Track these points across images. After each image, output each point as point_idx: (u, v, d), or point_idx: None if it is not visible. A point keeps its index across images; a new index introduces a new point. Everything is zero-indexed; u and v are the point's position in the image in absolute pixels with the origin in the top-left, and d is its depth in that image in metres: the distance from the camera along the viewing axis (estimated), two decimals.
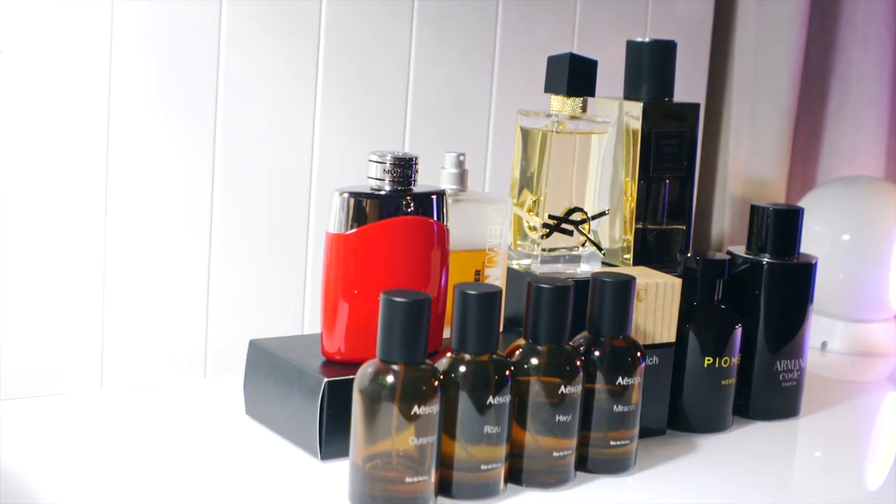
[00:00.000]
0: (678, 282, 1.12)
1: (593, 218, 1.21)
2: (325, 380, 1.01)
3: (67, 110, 1.11)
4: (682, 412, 1.15)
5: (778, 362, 1.20)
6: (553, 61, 1.20)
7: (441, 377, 0.94)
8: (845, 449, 1.18)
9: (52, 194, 1.11)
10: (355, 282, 1.04)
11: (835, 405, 1.28)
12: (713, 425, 1.16)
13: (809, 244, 1.46)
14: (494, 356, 0.97)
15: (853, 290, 1.48)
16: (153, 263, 1.18)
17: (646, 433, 1.12)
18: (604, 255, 1.22)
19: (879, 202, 1.47)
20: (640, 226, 1.26)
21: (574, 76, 1.19)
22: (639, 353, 1.04)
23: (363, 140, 1.28)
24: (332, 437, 1.01)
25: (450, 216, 1.12)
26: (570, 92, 1.19)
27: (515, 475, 1.00)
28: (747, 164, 1.59)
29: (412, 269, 1.06)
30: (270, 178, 1.24)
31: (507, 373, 0.97)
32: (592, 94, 1.20)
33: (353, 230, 1.04)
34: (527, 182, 1.20)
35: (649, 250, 1.26)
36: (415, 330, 0.92)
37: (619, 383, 1.03)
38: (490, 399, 0.95)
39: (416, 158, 1.06)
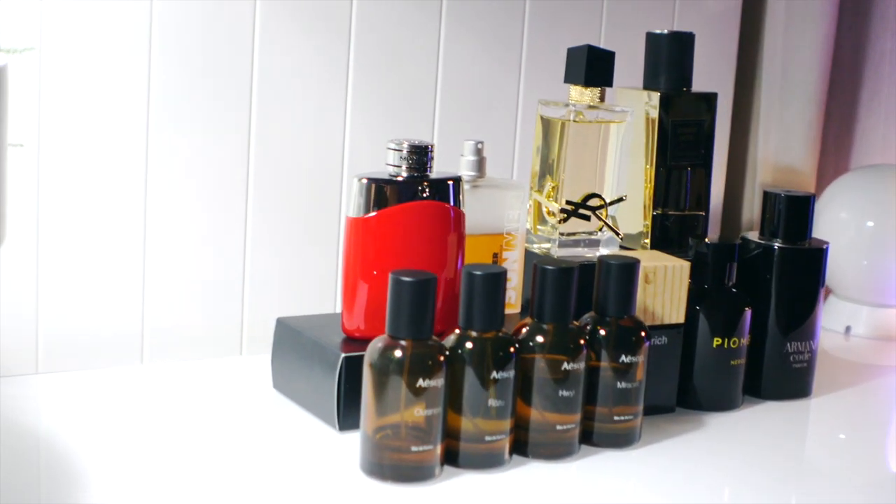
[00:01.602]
0: (686, 265, 1.16)
1: (610, 204, 1.25)
2: (343, 355, 1.07)
3: (108, 101, 1.18)
4: (692, 391, 1.20)
5: (789, 344, 1.23)
6: (572, 52, 1.25)
7: (447, 353, 0.99)
8: (854, 429, 1.22)
9: (95, 177, 1.19)
10: (374, 263, 1.10)
11: (849, 387, 1.31)
12: (722, 404, 1.20)
13: (835, 231, 1.50)
14: (500, 333, 1.02)
15: (877, 276, 1.50)
16: (192, 246, 1.25)
17: (655, 410, 1.17)
18: (622, 239, 1.27)
19: None
20: (658, 212, 1.30)
21: (592, 67, 1.23)
22: (643, 333, 1.09)
23: (393, 129, 1.33)
24: (350, 409, 1.07)
25: (468, 201, 1.18)
26: (588, 82, 1.23)
27: (521, 448, 1.05)
28: (777, 154, 1.62)
29: (429, 251, 1.12)
30: (304, 166, 1.30)
31: (512, 350, 1.02)
32: (610, 85, 1.24)
33: (372, 214, 1.09)
34: (546, 169, 1.25)
35: (668, 236, 1.30)
36: (421, 308, 0.98)
37: (623, 361, 1.08)
38: (494, 374, 1.00)
39: (431, 146, 1.11)
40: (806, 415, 1.23)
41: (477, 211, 1.19)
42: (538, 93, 1.40)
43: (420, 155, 1.10)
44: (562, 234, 1.24)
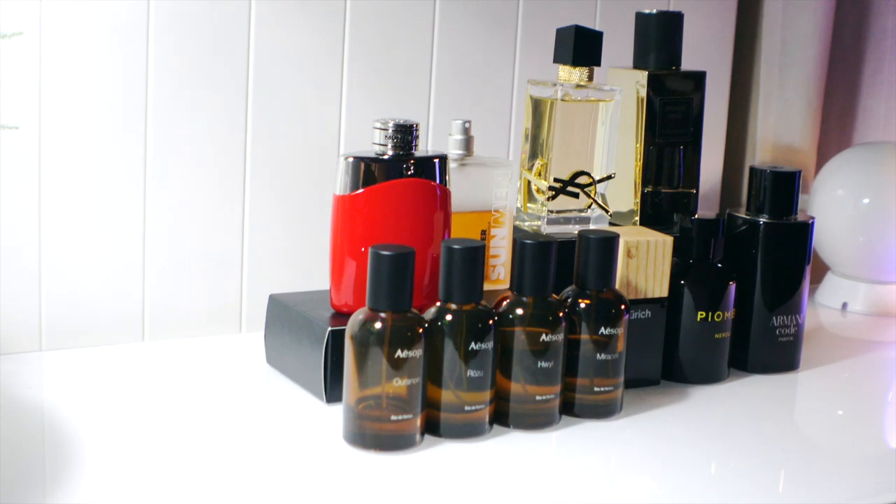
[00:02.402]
0: (670, 240, 1.18)
1: (599, 181, 1.27)
2: (329, 329, 1.10)
3: (108, 83, 1.22)
4: (677, 364, 1.22)
5: (774, 318, 1.25)
6: (560, 33, 1.27)
7: (426, 325, 1.02)
8: (839, 403, 1.24)
9: (95, 159, 1.22)
10: (361, 240, 1.13)
11: (838, 361, 1.33)
12: (707, 376, 1.22)
13: (832, 208, 1.51)
14: (479, 306, 1.04)
15: (874, 253, 1.52)
16: (192, 227, 1.28)
17: (640, 383, 1.19)
18: (611, 216, 1.29)
19: None
20: (649, 189, 1.32)
21: (579, 47, 1.25)
22: (623, 306, 1.11)
23: (389, 110, 1.36)
24: (336, 382, 1.10)
25: (456, 179, 1.20)
26: (576, 62, 1.25)
27: (502, 418, 1.08)
28: (776, 132, 1.63)
29: (415, 228, 1.14)
30: (301, 146, 1.33)
31: (491, 322, 1.04)
32: (598, 64, 1.27)
33: (358, 192, 1.12)
34: (536, 148, 1.27)
35: (660, 213, 1.32)
36: (400, 281, 1.00)
37: (603, 333, 1.10)
38: (472, 345, 1.03)
39: (416, 125, 1.14)
40: (790, 388, 1.25)
41: (465, 189, 1.22)
42: (534, 72, 1.42)
43: (405, 134, 1.13)
44: (551, 211, 1.26)
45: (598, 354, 1.10)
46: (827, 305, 1.56)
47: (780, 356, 1.27)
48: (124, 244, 1.26)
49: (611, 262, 1.11)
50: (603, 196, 1.28)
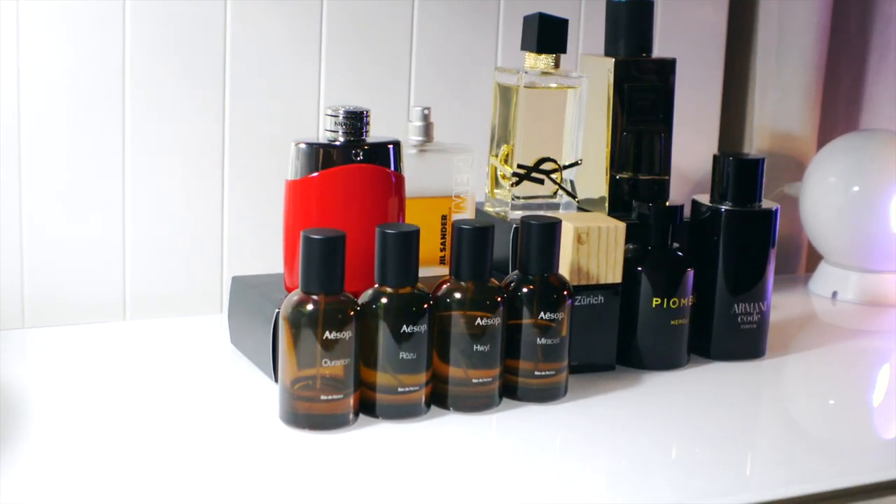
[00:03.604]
0: (622, 226, 1.19)
1: (564, 168, 1.28)
2: (277, 310, 1.13)
3: (87, 73, 1.26)
4: (634, 350, 1.22)
5: (736, 305, 1.25)
6: (527, 20, 1.28)
7: (358, 307, 1.04)
8: (800, 389, 1.23)
9: (78, 141, 1.27)
10: (313, 224, 1.15)
11: (804, 350, 1.33)
12: (665, 363, 1.23)
13: (824, 195, 1.50)
14: (415, 290, 1.06)
15: (864, 242, 1.50)
16: (173, 210, 1.33)
17: (594, 368, 1.20)
18: (578, 202, 1.29)
19: (891, 154, 1.49)
20: (625, 176, 1.32)
21: (543, 34, 1.26)
22: (566, 292, 1.12)
23: (368, 98, 1.38)
24: None
25: (416, 165, 1.22)
26: (541, 49, 1.26)
27: (441, 400, 1.10)
28: (774, 119, 1.62)
29: (366, 213, 1.16)
30: (278, 134, 1.36)
31: (426, 305, 1.06)
32: (563, 51, 1.27)
33: (307, 176, 1.15)
34: (502, 134, 1.29)
35: (626, 199, 1.33)
36: (331, 264, 1.03)
37: (545, 318, 1.11)
38: (405, 328, 1.05)
39: (367, 111, 1.16)
40: (748, 376, 1.24)
41: (425, 174, 1.24)
42: (517, 61, 1.43)
43: (355, 120, 1.15)
44: (518, 197, 1.27)
45: (538, 339, 1.11)
46: (820, 294, 1.55)
47: (743, 343, 1.27)
48: (107, 228, 1.30)
49: (553, 248, 1.12)
50: (571, 182, 1.29)
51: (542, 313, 1.11)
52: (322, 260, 1.03)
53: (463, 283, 1.09)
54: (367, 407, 1.07)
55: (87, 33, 1.25)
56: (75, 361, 1.20)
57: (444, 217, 1.25)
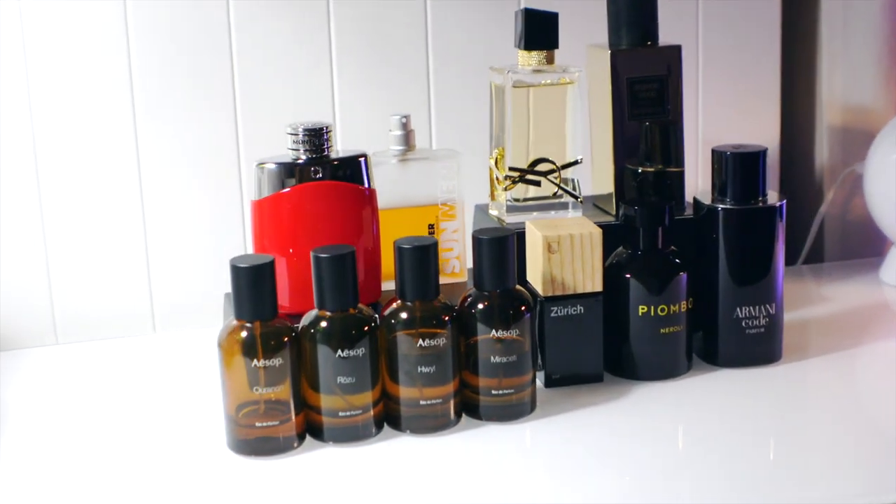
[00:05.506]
0: (598, 232, 1.13)
1: (563, 168, 1.23)
2: None
3: (97, 91, 1.30)
4: (625, 360, 1.17)
5: (739, 309, 1.17)
6: (516, 16, 1.23)
7: (295, 332, 1.04)
8: (808, 397, 1.15)
9: (91, 157, 1.32)
10: (285, 242, 1.15)
11: (817, 356, 1.23)
12: (659, 373, 1.17)
13: (888, 173, 1.39)
14: (354, 313, 1.05)
15: None
16: (192, 225, 1.35)
17: (580, 379, 1.16)
18: (581, 202, 1.24)
19: None
20: (639, 168, 1.26)
21: (530, 30, 1.21)
22: (523, 307, 1.08)
23: (386, 103, 1.36)
24: None
25: (397, 175, 1.20)
26: (528, 46, 1.22)
27: (395, 422, 1.08)
28: (844, 93, 1.51)
29: (340, 228, 1.15)
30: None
31: (366, 328, 1.04)
32: (555, 46, 1.22)
33: (269, 196, 1.14)
34: (497, 136, 1.25)
35: (643, 194, 1.26)
36: (261, 291, 1.02)
37: (500, 335, 1.07)
38: (340, 352, 1.03)
39: (327, 127, 1.14)
40: (751, 383, 1.16)
41: (407, 184, 1.21)
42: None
43: (315, 137, 1.14)
44: (517, 199, 1.23)
45: (493, 357, 1.08)
46: (890, 284, 1.44)
47: (750, 349, 1.18)
48: (129, 248, 1.34)
49: (506, 262, 1.08)
50: (574, 181, 1.24)
51: (498, 330, 1.07)
52: (253, 287, 1.02)
53: (409, 303, 1.06)
54: (315, 430, 1.06)
55: (92, 49, 1.29)
56: (119, 373, 1.26)
57: (431, 226, 1.23)
